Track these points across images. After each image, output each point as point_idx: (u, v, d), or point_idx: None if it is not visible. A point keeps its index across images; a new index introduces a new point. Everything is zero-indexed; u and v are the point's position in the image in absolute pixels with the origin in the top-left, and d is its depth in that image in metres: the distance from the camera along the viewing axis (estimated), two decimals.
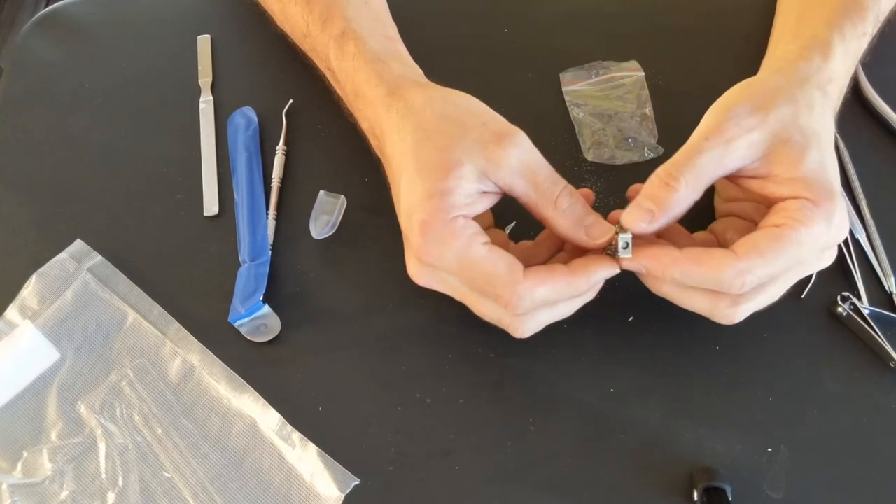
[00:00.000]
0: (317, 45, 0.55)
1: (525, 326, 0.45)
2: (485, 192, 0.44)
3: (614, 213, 0.45)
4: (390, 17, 0.56)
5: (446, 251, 0.43)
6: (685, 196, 0.42)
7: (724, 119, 0.43)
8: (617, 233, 0.44)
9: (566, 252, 0.48)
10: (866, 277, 0.52)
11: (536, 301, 0.43)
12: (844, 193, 0.54)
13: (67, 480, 0.48)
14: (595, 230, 0.44)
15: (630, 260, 0.44)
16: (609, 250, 0.45)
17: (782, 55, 0.49)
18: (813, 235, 0.41)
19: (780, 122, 0.43)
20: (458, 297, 0.46)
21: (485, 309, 0.46)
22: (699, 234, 0.49)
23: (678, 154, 0.43)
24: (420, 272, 0.45)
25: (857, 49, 0.51)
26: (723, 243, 0.47)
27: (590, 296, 0.46)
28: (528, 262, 0.46)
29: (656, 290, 0.46)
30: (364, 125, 0.52)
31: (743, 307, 0.44)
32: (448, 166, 0.43)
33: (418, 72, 0.51)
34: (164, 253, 0.55)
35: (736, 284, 0.41)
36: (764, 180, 0.43)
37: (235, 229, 0.55)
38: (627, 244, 0.43)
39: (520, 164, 0.43)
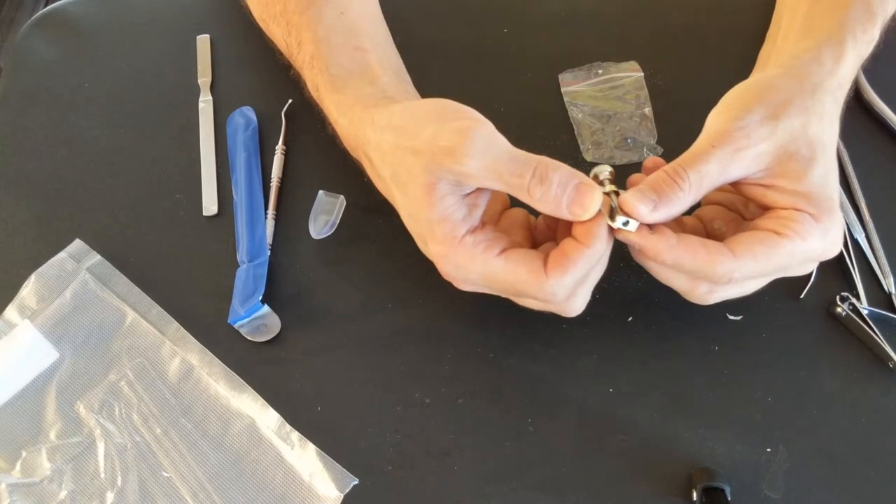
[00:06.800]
0: (296, 67, 0.56)
1: (573, 308, 0.45)
2: (471, 193, 0.44)
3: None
4: (373, 23, 0.56)
5: (469, 273, 0.43)
6: (687, 197, 0.42)
7: (734, 127, 0.42)
8: (607, 194, 0.42)
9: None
10: (865, 278, 0.52)
11: (569, 287, 0.43)
12: (844, 194, 0.54)
13: (66, 480, 0.48)
14: (575, 208, 0.41)
15: (628, 235, 0.42)
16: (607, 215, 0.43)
17: (794, 53, 0.48)
18: (806, 248, 0.42)
19: (788, 133, 0.42)
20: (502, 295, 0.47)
21: (527, 304, 0.46)
22: (687, 219, 0.48)
23: (686, 155, 0.43)
24: (459, 286, 0.46)
25: (864, 53, 0.51)
26: (710, 231, 0.47)
27: (610, 246, 0.44)
28: (554, 232, 0.46)
29: (639, 261, 0.45)
30: (351, 153, 0.53)
31: (718, 294, 0.45)
32: (426, 193, 0.43)
33: (379, 84, 0.51)
34: (163, 253, 0.55)
35: (723, 278, 0.42)
36: (766, 189, 0.43)
37: (234, 229, 0.55)
38: (628, 222, 0.42)
39: (480, 170, 0.42)
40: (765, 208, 0.44)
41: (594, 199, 0.41)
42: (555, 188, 0.41)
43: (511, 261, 0.43)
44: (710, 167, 0.42)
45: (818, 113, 0.44)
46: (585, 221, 0.42)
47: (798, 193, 0.42)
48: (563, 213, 0.42)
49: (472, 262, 0.43)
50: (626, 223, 0.42)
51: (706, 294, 0.44)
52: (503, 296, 0.46)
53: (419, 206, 0.43)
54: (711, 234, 0.47)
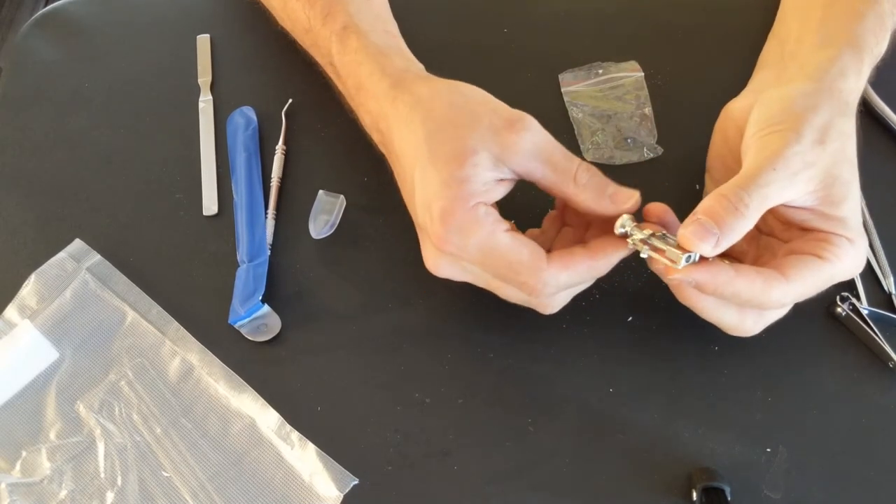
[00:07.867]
0: (318, 41, 0.54)
1: (553, 305, 0.46)
2: (500, 180, 0.44)
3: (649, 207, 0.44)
4: (391, 15, 0.56)
5: (469, 239, 0.42)
6: (747, 223, 0.40)
7: (793, 152, 0.41)
8: (644, 240, 0.42)
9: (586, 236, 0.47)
10: (865, 278, 0.52)
11: (560, 286, 0.43)
12: None
13: (66, 480, 0.48)
14: (619, 196, 0.43)
15: (689, 274, 0.41)
16: (622, 232, 0.43)
17: (818, 63, 0.47)
18: (844, 270, 0.43)
19: (832, 157, 0.42)
20: (480, 284, 0.46)
21: (509, 293, 0.46)
22: None
23: (743, 178, 0.41)
24: (439, 263, 0.45)
25: (874, 63, 0.51)
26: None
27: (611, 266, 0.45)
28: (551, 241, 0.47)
29: (684, 298, 0.45)
30: (367, 119, 0.52)
31: (762, 322, 0.45)
32: (463, 154, 0.42)
33: (420, 66, 0.51)
34: (163, 252, 0.55)
35: (776, 304, 0.43)
36: (807, 212, 0.43)
37: (234, 229, 0.55)
38: (690, 258, 0.41)
39: (534, 147, 0.43)
40: (801, 230, 0.44)
41: (631, 193, 0.43)
42: (599, 177, 0.43)
43: (517, 240, 0.43)
44: (771, 190, 0.41)
45: (849, 134, 0.44)
46: (607, 243, 0.43)
47: (837, 219, 0.43)
48: (604, 201, 0.43)
49: (477, 229, 0.42)
50: (688, 258, 0.40)
51: (753, 325, 0.45)
52: (486, 280, 0.45)
53: (448, 165, 0.43)
54: (729, 251, 0.46)
